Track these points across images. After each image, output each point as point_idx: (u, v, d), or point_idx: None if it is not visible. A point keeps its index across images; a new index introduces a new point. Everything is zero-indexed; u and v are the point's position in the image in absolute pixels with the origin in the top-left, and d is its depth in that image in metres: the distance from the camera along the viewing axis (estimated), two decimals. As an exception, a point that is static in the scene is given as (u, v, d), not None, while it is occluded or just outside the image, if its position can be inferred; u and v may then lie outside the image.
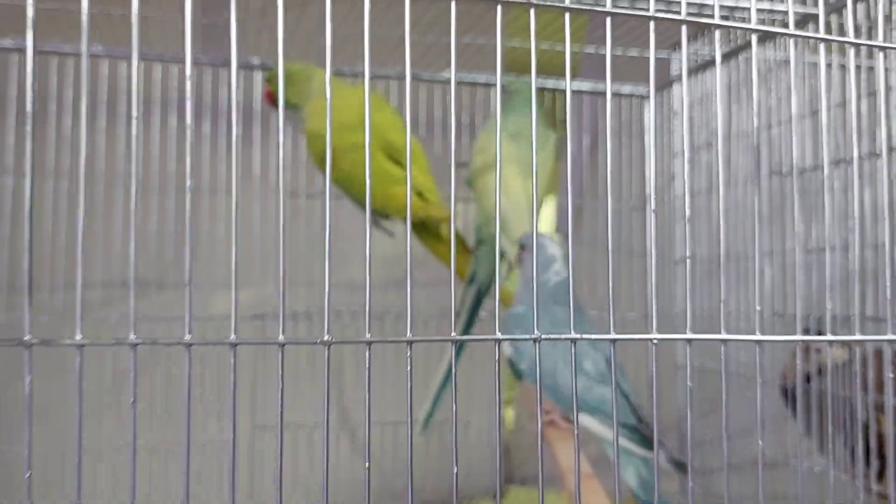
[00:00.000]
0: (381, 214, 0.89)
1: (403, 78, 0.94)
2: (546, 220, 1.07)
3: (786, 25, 0.76)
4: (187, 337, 0.33)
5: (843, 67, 0.74)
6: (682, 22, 0.40)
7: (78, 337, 0.32)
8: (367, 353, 0.36)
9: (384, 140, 0.82)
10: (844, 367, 0.78)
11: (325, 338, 0.34)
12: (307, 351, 0.97)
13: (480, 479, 1.35)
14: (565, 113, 0.39)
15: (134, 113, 0.33)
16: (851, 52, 0.45)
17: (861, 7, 0.69)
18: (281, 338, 0.34)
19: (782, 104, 0.80)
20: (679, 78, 0.95)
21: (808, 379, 0.82)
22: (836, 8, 0.72)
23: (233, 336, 0.33)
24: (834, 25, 0.73)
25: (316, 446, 1.11)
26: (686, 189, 0.44)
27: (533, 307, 0.38)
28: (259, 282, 0.99)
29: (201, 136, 0.90)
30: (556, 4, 0.37)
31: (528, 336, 0.37)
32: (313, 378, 1.07)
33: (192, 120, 0.35)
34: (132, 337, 0.32)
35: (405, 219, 0.88)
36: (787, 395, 0.84)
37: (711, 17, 0.43)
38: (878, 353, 0.77)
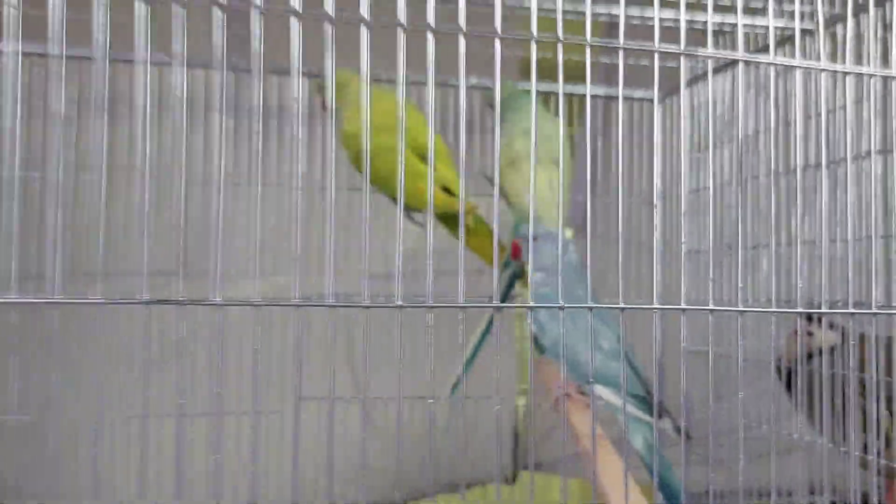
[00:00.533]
0: (412, 208, 0.99)
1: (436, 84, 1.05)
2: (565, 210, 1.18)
3: (783, 41, 0.87)
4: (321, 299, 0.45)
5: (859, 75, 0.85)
6: (681, 54, 0.51)
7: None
8: (429, 317, 0.47)
9: (414, 140, 0.92)
10: (834, 350, 0.89)
11: (398, 302, 0.46)
12: (320, 327, 1.09)
13: (492, 463, 1.45)
14: (578, 115, 0.50)
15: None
16: (812, 74, 0.56)
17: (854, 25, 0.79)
18: (366, 301, 0.45)
19: (781, 109, 0.91)
20: (688, 83, 1.05)
21: (800, 360, 0.93)
22: (832, 23, 0.83)
23: (366, 300, 0.45)
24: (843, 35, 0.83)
25: (327, 419, 1.21)
26: (684, 183, 0.55)
27: (554, 290, 0.49)
28: (272, 271, 1.08)
29: (217, 133, 1.00)
30: (580, 41, 0.49)
31: (553, 304, 0.49)
32: (327, 351, 1.18)
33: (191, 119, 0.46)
34: (258, 298, 0.44)
35: (435, 212, 0.98)
36: (781, 374, 0.95)
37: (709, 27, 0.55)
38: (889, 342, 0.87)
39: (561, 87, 0.52)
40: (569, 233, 0.90)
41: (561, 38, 0.49)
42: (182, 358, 1.06)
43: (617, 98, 1.04)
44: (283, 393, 1.12)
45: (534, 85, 0.50)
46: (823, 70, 0.56)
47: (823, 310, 0.55)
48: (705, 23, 0.71)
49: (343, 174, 1.04)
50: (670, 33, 0.70)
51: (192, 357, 1.07)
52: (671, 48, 0.51)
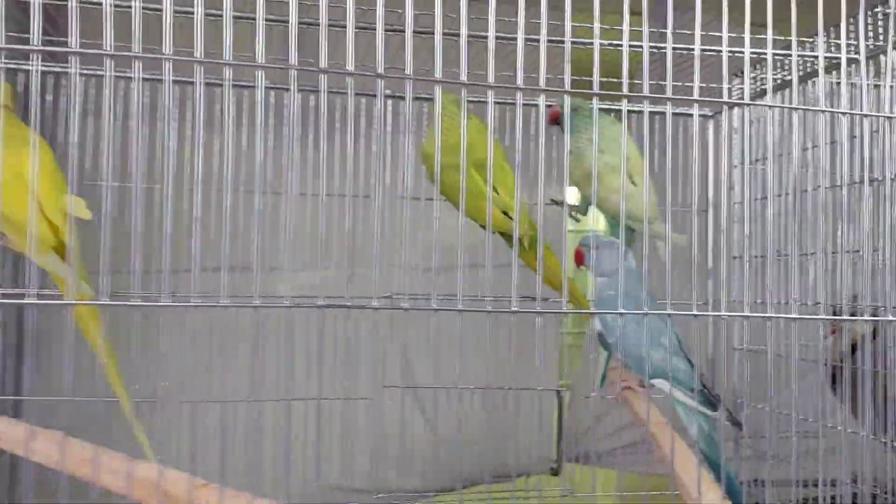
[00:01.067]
0: (475, 220, 1.10)
1: (507, 103, 1.18)
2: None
3: (830, 67, 0.97)
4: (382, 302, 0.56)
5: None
6: (725, 103, 0.63)
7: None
8: (539, 319, 0.59)
9: (480, 163, 1.02)
10: (876, 334, 0.98)
11: (487, 307, 0.58)
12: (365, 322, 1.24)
13: (535, 453, 1.52)
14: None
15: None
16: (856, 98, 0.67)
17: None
18: (459, 306, 0.57)
19: (828, 127, 1.00)
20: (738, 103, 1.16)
21: (842, 356, 1.03)
22: (875, 53, 0.93)
23: (460, 305, 0.57)
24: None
25: (387, 414, 1.32)
26: (746, 194, 0.67)
27: (617, 293, 0.61)
28: (318, 267, 1.17)
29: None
30: (639, 96, 0.60)
31: (639, 311, 0.60)
32: (373, 347, 1.30)
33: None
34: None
35: (490, 229, 1.09)
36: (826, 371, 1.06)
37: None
38: None
39: (647, 112, 0.63)
40: (657, 226, 1.01)
41: (626, 92, 0.61)
42: (377, 351, 1.28)
43: (674, 114, 1.13)
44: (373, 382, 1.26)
45: (625, 136, 0.61)
46: (867, 115, 0.67)
47: (867, 317, 0.66)
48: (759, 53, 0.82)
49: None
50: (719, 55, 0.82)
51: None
52: (735, 101, 0.63)
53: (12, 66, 1.08)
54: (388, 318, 1.29)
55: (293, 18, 0.65)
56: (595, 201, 1.10)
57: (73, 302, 0.69)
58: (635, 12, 0.73)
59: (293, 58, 0.65)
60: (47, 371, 1.00)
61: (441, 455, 1.49)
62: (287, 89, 1.06)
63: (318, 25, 0.65)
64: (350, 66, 0.65)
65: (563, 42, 0.66)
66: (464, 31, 0.64)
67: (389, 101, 1.17)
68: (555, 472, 1.60)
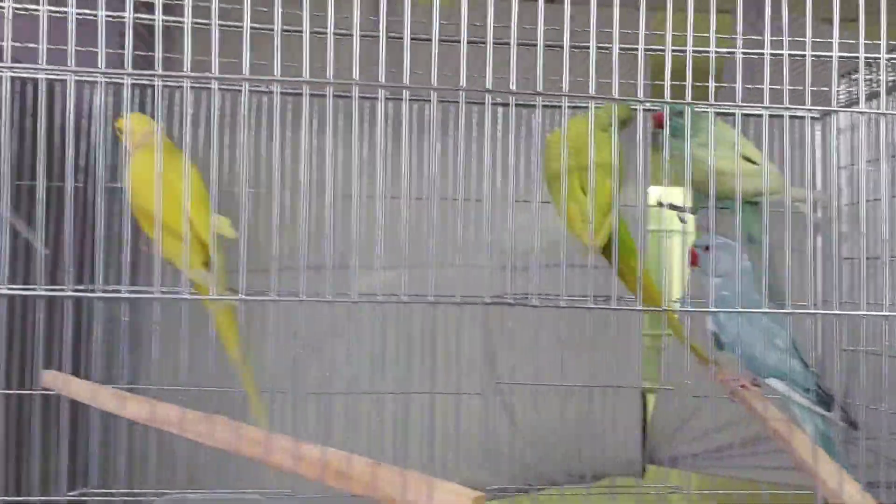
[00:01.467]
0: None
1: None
2: None
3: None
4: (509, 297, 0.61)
5: None
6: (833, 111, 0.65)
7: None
8: (614, 318, 0.63)
9: (583, 171, 1.03)
10: None
11: (589, 302, 0.62)
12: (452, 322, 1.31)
13: (617, 455, 1.54)
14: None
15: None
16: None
17: None
18: (562, 302, 0.61)
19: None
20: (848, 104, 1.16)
21: None
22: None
23: (562, 299, 0.61)
24: None
25: (466, 410, 1.39)
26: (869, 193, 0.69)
27: (733, 293, 0.64)
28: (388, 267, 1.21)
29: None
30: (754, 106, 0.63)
31: (780, 310, 0.63)
32: (459, 347, 1.36)
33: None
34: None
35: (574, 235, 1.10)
36: None
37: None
38: None
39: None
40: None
41: (740, 102, 0.64)
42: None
43: (775, 116, 1.14)
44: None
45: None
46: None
47: None
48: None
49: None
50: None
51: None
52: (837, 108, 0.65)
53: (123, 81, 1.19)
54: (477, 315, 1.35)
55: (382, 36, 0.74)
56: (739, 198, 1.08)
57: (187, 297, 0.80)
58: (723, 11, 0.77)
59: (382, 75, 0.74)
60: (163, 363, 1.09)
61: (523, 453, 1.52)
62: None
63: (402, 38, 0.74)
64: (434, 81, 0.76)
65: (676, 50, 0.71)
66: (567, 40, 0.69)
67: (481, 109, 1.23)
68: (637, 475, 1.62)
